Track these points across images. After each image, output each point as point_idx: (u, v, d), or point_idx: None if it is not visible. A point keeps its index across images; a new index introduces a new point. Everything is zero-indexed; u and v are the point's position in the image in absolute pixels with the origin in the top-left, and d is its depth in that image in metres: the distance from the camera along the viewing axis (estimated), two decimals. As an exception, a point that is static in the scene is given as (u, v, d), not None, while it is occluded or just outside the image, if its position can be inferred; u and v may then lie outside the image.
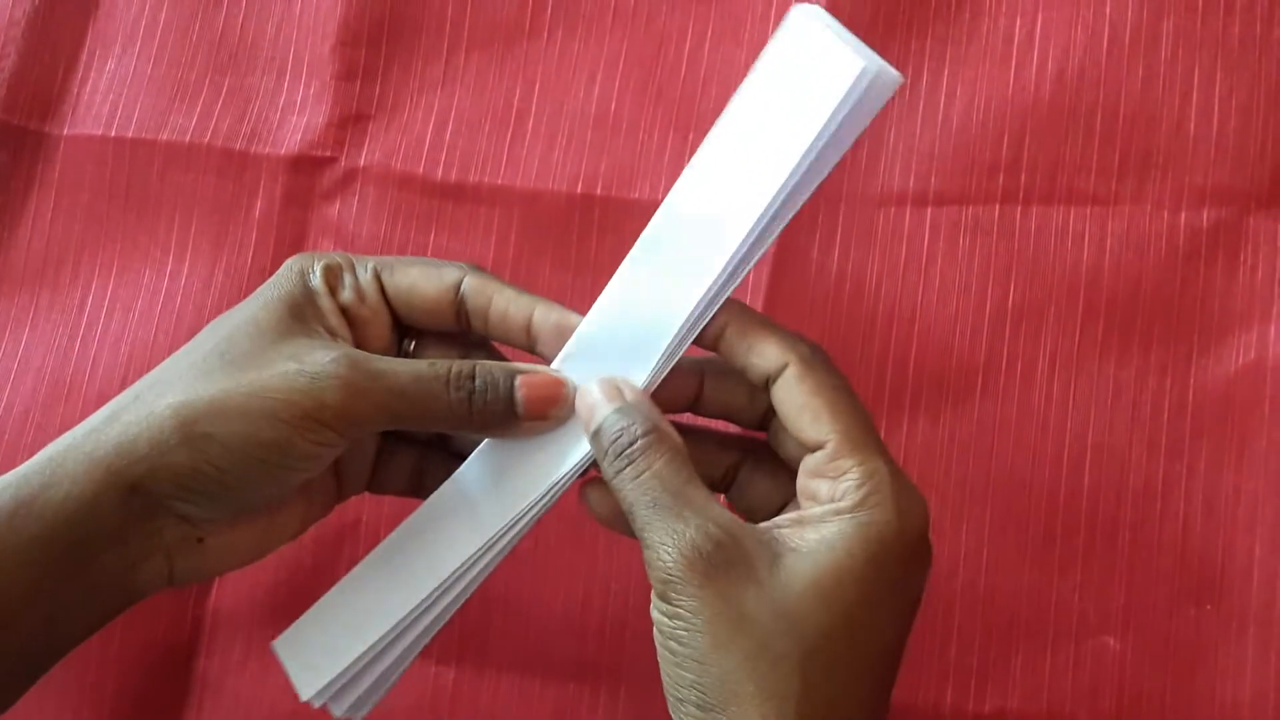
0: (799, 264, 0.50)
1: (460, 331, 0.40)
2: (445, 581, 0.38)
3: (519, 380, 0.37)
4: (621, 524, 0.37)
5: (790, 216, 0.36)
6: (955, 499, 0.47)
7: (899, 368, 0.48)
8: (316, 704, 0.38)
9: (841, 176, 0.50)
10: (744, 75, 0.51)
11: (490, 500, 0.38)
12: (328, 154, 0.52)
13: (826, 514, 0.34)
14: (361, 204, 0.52)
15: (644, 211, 0.50)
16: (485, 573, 0.38)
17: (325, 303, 0.38)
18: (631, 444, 0.35)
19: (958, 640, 0.47)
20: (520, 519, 0.38)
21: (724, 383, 0.39)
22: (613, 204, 0.51)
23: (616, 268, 0.38)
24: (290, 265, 0.39)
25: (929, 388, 0.47)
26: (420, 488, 0.41)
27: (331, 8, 0.54)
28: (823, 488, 0.35)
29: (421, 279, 0.39)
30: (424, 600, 0.38)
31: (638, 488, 0.34)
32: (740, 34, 0.52)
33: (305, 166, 0.52)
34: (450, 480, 0.39)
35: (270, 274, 0.50)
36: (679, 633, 0.33)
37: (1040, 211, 0.49)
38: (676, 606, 0.33)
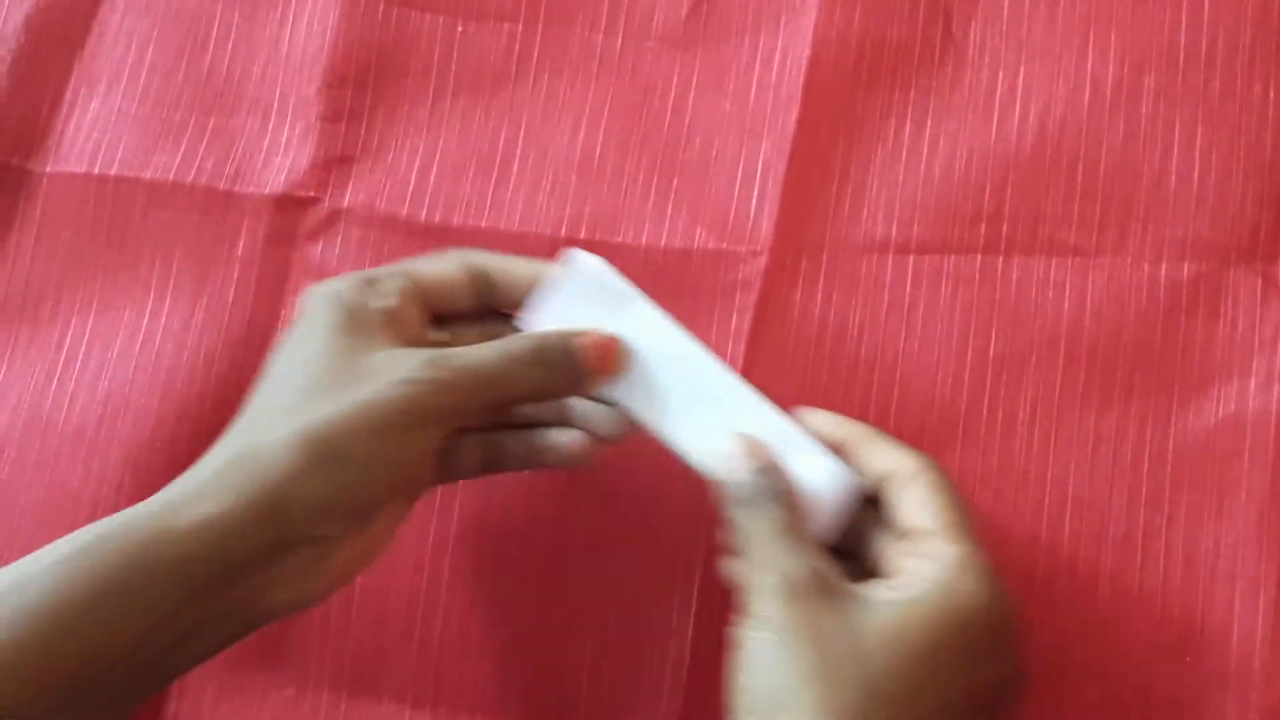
0: (781, 310, 0.50)
1: (478, 312, 0.43)
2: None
3: (576, 343, 0.40)
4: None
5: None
6: (936, 548, 0.47)
7: (880, 416, 0.48)
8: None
9: (825, 224, 0.51)
10: (728, 125, 0.52)
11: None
12: (311, 194, 0.52)
13: (920, 579, 0.37)
14: (345, 245, 0.52)
15: (628, 255, 0.51)
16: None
17: (368, 314, 0.40)
18: (760, 493, 0.39)
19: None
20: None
21: None
22: (597, 248, 0.50)
23: None
24: (317, 295, 0.40)
25: (910, 436, 0.47)
26: (491, 466, 0.44)
27: (318, 50, 0.54)
28: (913, 566, 0.38)
29: (437, 272, 0.42)
30: None
31: (757, 522, 0.39)
32: (725, 84, 0.53)
33: (289, 207, 0.52)
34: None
35: (253, 314, 0.51)
36: (757, 641, 0.37)
37: (1021, 262, 0.50)
38: (762, 619, 0.37)
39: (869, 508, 0.41)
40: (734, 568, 0.40)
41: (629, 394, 0.42)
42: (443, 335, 0.43)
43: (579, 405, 0.43)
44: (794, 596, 0.37)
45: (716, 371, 0.42)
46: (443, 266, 0.42)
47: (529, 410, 0.43)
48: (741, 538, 0.39)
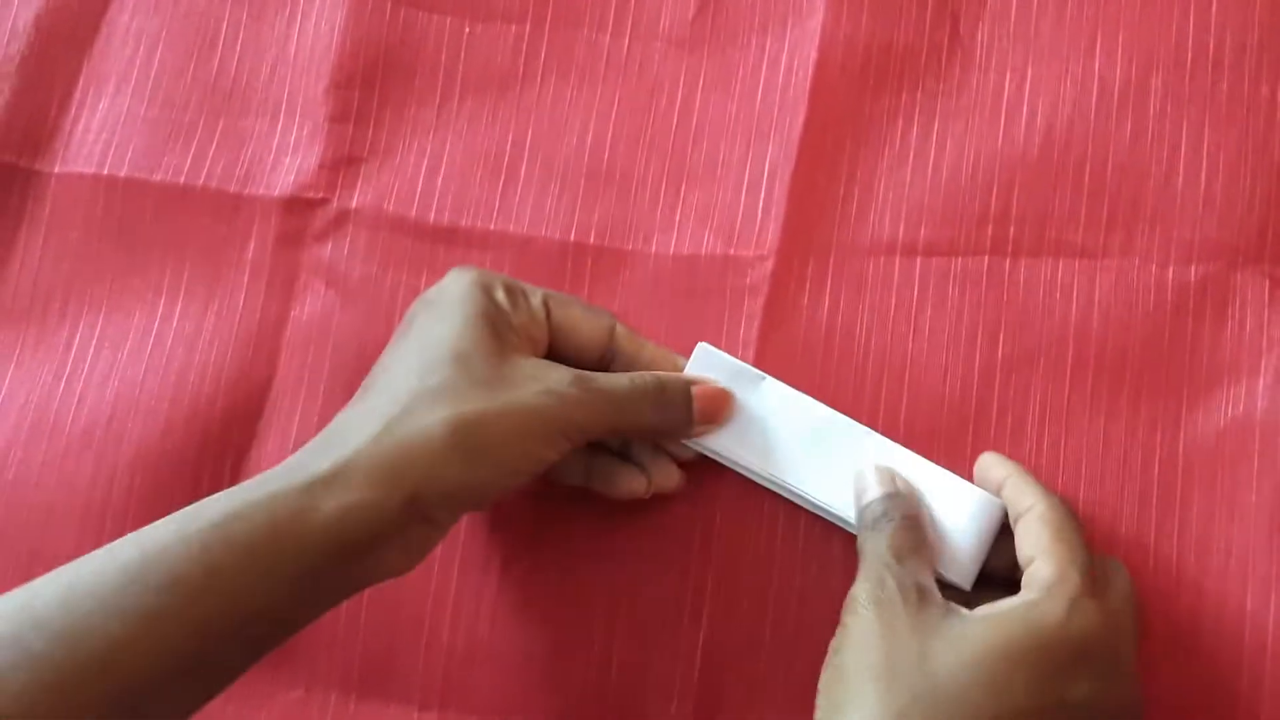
0: (789, 314, 0.50)
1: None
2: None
3: (695, 390, 0.44)
4: None
5: None
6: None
7: (890, 418, 0.48)
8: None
9: (832, 226, 0.51)
10: (734, 127, 0.52)
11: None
12: (320, 196, 0.52)
13: (1010, 599, 0.39)
14: (354, 246, 0.52)
15: (637, 263, 0.51)
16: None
17: (514, 320, 0.42)
18: (886, 514, 0.42)
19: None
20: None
21: None
22: (605, 253, 0.51)
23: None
24: (471, 281, 0.42)
25: (920, 439, 0.47)
26: (589, 479, 0.46)
27: (325, 50, 0.54)
28: (1022, 590, 0.40)
29: (583, 319, 0.45)
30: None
31: (874, 541, 0.42)
32: (731, 85, 0.53)
33: (298, 208, 0.52)
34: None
35: (262, 315, 0.51)
36: (838, 647, 0.39)
37: (1029, 263, 0.50)
38: (847, 626, 0.39)
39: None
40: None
41: (738, 445, 0.46)
42: None
43: (644, 450, 0.46)
44: (880, 604, 0.39)
45: (849, 424, 0.46)
46: (591, 318, 0.45)
47: (613, 442, 0.47)
48: (860, 556, 0.42)
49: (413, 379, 0.39)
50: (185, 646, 0.35)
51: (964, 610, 0.39)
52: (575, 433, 0.40)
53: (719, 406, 0.45)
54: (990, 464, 0.45)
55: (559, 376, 0.40)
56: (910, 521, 0.42)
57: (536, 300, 0.43)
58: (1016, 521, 0.42)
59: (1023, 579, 0.40)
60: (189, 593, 0.35)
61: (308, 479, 0.37)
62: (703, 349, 0.46)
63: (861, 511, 0.43)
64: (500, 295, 0.42)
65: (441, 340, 0.40)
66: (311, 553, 0.36)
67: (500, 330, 0.41)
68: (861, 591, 0.40)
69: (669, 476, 0.46)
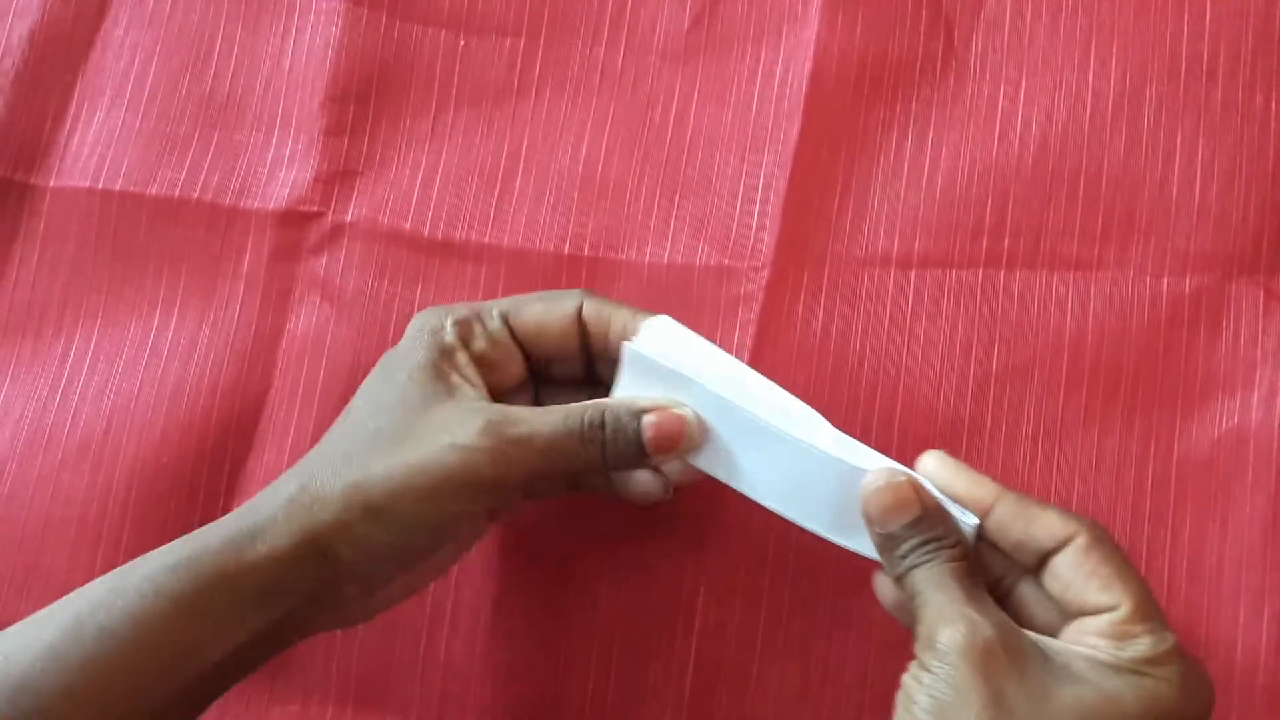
0: (783, 325, 0.50)
1: (581, 355, 0.43)
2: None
3: (644, 422, 0.40)
4: (903, 613, 0.40)
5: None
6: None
7: (884, 430, 0.48)
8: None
9: (826, 238, 0.51)
10: (729, 139, 0.52)
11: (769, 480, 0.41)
12: (315, 209, 0.52)
13: (1112, 661, 0.35)
14: (349, 259, 0.52)
15: (631, 273, 0.51)
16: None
17: (461, 357, 0.41)
18: (927, 543, 0.38)
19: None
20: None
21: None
22: (600, 265, 0.51)
23: None
24: (421, 327, 0.41)
25: (914, 451, 0.47)
26: (607, 483, 0.44)
27: (320, 64, 0.54)
28: (1104, 644, 0.36)
29: (545, 314, 0.42)
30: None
31: (931, 578, 0.37)
32: (726, 97, 0.53)
33: (293, 221, 0.52)
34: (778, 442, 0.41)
35: (257, 329, 0.51)
36: (932, 695, 0.34)
37: (1024, 275, 0.50)
38: (937, 674, 0.34)
39: (992, 548, 0.39)
40: (890, 598, 0.41)
41: (712, 462, 0.41)
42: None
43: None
44: (978, 655, 0.34)
45: (807, 421, 0.41)
46: (556, 308, 0.42)
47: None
48: (911, 593, 0.37)
49: (336, 442, 0.40)
50: (124, 695, 0.36)
51: (1065, 658, 0.35)
52: (492, 488, 0.38)
53: (674, 438, 0.40)
54: (958, 477, 0.40)
55: (467, 428, 0.38)
56: (962, 543, 0.38)
57: (494, 320, 0.42)
58: (1042, 553, 0.38)
59: (1102, 624, 0.36)
60: (121, 645, 0.36)
61: (231, 534, 0.38)
62: (631, 353, 0.41)
63: (892, 537, 0.38)
64: (449, 336, 0.41)
65: (370, 395, 0.41)
66: (234, 603, 0.37)
67: (440, 374, 0.40)
68: (947, 637, 0.35)
69: (689, 471, 0.42)
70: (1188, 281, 0.49)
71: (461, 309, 0.42)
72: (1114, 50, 0.52)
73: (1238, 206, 0.50)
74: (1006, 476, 0.47)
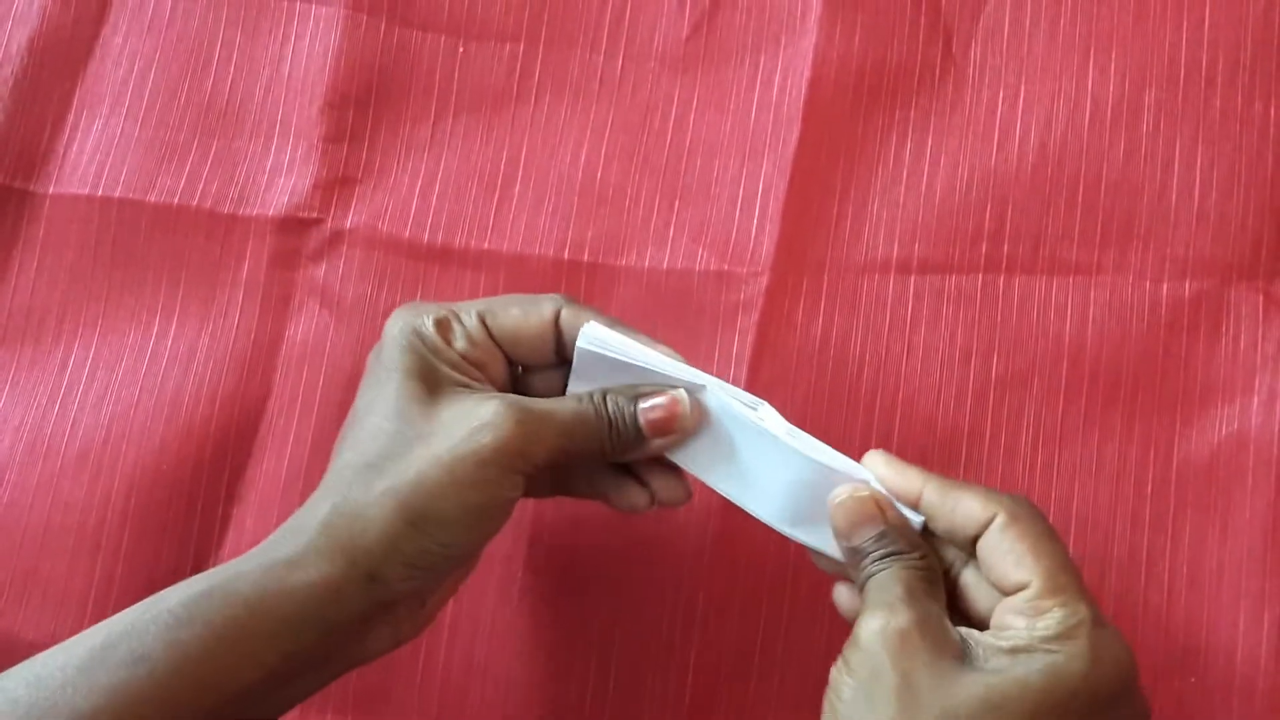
0: (782, 331, 0.50)
1: (562, 361, 0.42)
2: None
3: (640, 406, 0.40)
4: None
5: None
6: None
7: (883, 437, 0.48)
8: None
9: (826, 244, 0.51)
10: (728, 145, 0.52)
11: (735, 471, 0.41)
12: (314, 215, 0.52)
13: (1020, 642, 0.35)
14: (348, 266, 0.52)
15: (630, 279, 0.51)
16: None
17: (448, 355, 0.40)
18: (887, 555, 0.38)
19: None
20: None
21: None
22: (600, 270, 0.51)
23: None
24: (403, 327, 0.40)
25: (912, 457, 0.47)
26: (594, 489, 0.43)
27: (319, 70, 0.54)
28: (1020, 624, 0.36)
29: (522, 317, 0.41)
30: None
31: (878, 581, 0.37)
32: (725, 103, 0.53)
33: (292, 228, 0.52)
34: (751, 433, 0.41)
35: (257, 335, 0.51)
36: (846, 685, 0.35)
37: (1023, 281, 0.50)
38: (853, 664, 0.36)
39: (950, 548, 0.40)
40: (847, 605, 0.41)
41: (691, 459, 0.41)
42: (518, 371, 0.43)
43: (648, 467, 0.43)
44: (890, 640, 0.35)
45: (759, 408, 0.41)
46: (533, 313, 0.42)
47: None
48: (864, 591, 0.38)
49: (356, 453, 0.39)
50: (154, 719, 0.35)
51: (977, 651, 0.36)
52: (523, 462, 0.38)
53: (671, 419, 0.40)
54: (890, 472, 0.40)
55: (489, 409, 0.38)
56: (924, 555, 0.38)
57: (472, 321, 0.41)
58: (984, 536, 0.38)
59: (1017, 603, 0.36)
60: (153, 669, 0.35)
61: (271, 562, 0.37)
62: (581, 351, 0.41)
63: (856, 550, 0.39)
64: (430, 335, 0.40)
65: (373, 406, 0.40)
66: (281, 632, 0.36)
67: (430, 374, 0.40)
68: (868, 627, 0.36)
69: (674, 490, 0.42)
70: (1187, 287, 0.49)
71: (436, 308, 0.41)
72: (1113, 57, 0.52)
73: (1237, 212, 0.50)
74: (1007, 483, 0.47)
